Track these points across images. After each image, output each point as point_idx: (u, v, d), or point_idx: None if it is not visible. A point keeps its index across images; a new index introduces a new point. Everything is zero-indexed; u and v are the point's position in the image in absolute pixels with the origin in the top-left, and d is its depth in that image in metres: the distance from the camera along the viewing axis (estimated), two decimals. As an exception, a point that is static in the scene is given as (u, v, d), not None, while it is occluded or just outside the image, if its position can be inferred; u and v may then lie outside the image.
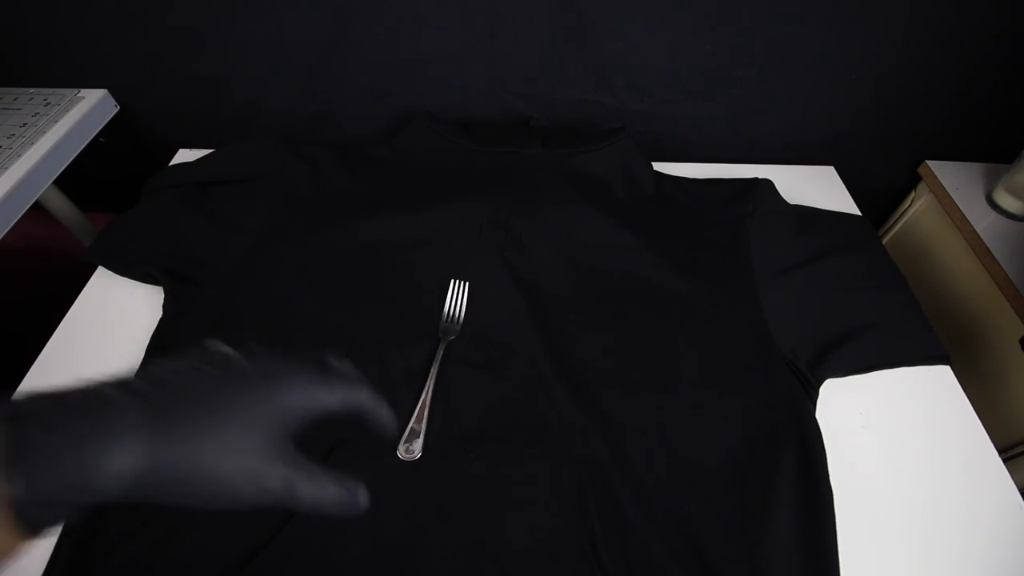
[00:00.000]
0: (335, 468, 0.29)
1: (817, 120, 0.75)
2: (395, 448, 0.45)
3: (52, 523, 0.23)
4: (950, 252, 0.75)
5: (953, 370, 0.54)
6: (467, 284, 0.57)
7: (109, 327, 0.56)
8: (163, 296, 0.56)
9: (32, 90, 0.75)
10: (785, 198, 0.68)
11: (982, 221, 0.71)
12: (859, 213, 0.70)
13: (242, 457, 0.26)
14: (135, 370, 0.29)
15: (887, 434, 0.50)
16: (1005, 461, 0.49)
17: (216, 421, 0.26)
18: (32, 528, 0.22)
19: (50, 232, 0.84)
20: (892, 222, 0.87)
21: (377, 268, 0.59)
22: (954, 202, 0.73)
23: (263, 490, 0.26)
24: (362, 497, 0.29)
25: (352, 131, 0.79)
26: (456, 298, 0.56)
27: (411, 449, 0.45)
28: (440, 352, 0.51)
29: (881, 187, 0.85)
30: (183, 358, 0.28)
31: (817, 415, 0.49)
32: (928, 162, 0.79)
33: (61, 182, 0.69)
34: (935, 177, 0.77)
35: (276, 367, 0.29)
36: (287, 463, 0.27)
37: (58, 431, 0.23)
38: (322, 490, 0.28)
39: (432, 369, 0.50)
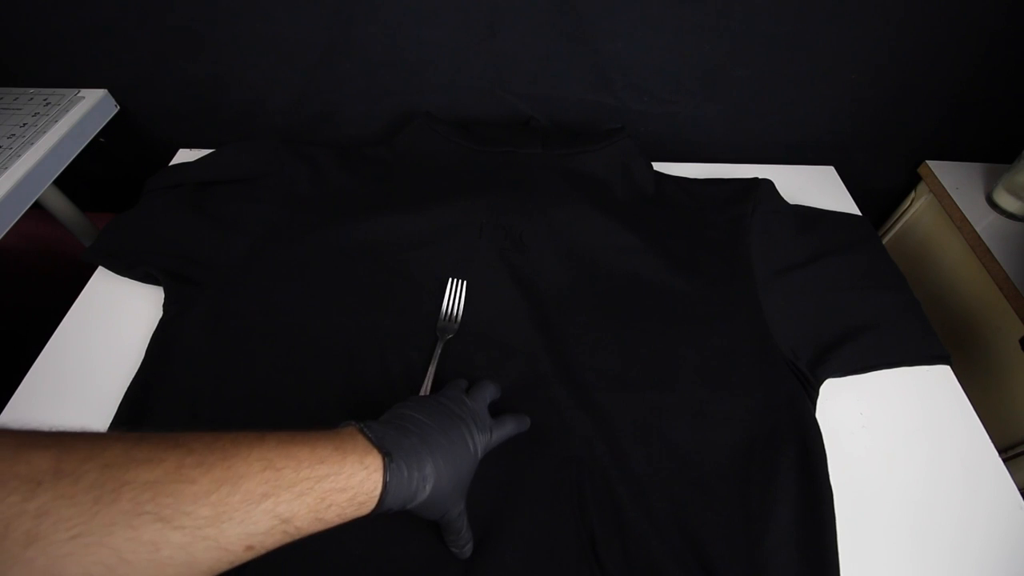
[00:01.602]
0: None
1: (817, 120, 0.75)
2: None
3: (385, 511, 0.32)
4: (950, 252, 0.75)
5: (953, 370, 0.54)
6: (465, 283, 0.57)
7: (109, 327, 0.56)
8: (163, 296, 0.56)
9: (32, 90, 0.75)
10: (785, 198, 0.68)
11: (982, 221, 0.71)
12: (859, 213, 0.70)
13: (460, 489, 0.37)
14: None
15: (887, 434, 0.50)
16: (1005, 461, 0.49)
17: (461, 460, 0.37)
18: (376, 511, 0.32)
19: (50, 232, 0.84)
20: (892, 222, 0.87)
21: (377, 268, 0.59)
22: (954, 202, 0.73)
23: (454, 512, 0.37)
24: (469, 549, 0.40)
25: (352, 131, 0.79)
26: (453, 296, 0.56)
27: (411, 449, 0.45)
28: (438, 351, 0.51)
29: (881, 187, 0.85)
30: (431, 401, 0.39)
31: (817, 415, 0.49)
32: (928, 162, 0.79)
33: (61, 182, 0.69)
34: (935, 177, 0.77)
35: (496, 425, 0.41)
36: (464, 495, 0.38)
37: (409, 473, 0.33)
38: (465, 523, 0.39)
39: (430, 368, 0.50)
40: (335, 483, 0.29)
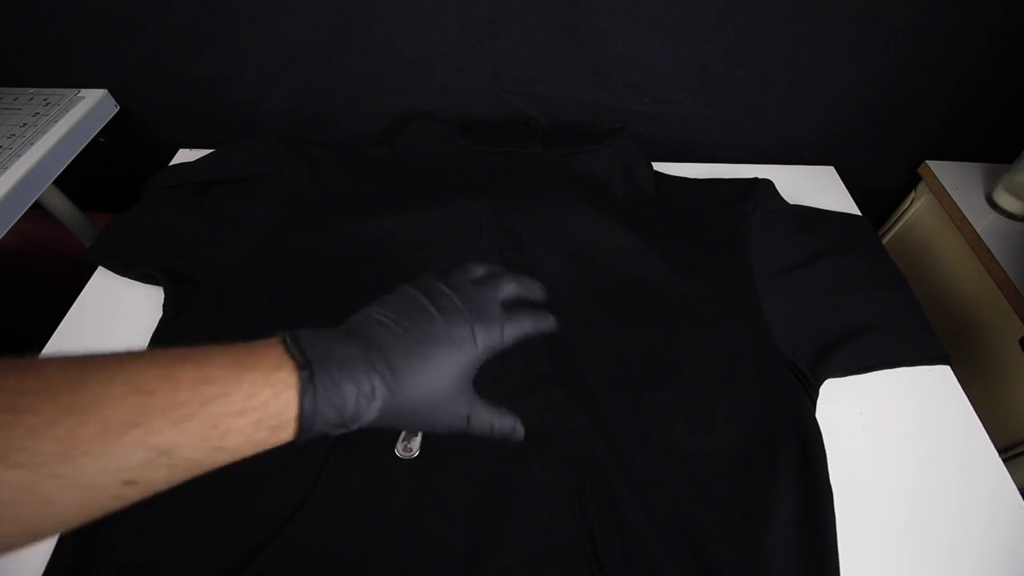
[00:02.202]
0: (490, 405, 0.34)
1: (817, 120, 0.75)
2: (393, 446, 0.45)
3: (317, 435, 0.27)
4: (950, 252, 0.75)
5: (953, 370, 0.54)
6: (467, 284, 0.57)
7: (109, 327, 0.56)
8: (163, 296, 0.56)
9: (32, 90, 0.75)
10: (785, 198, 0.68)
11: (982, 221, 0.71)
12: (859, 213, 0.70)
13: (450, 395, 0.31)
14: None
15: (887, 434, 0.50)
16: (1005, 461, 0.49)
17: (435, 363, 0.30)
18: (303, 436, 0.27)
19: (50, 232, 0.84)
20: (892, 222, 0.87)
21: (377, 268, 0.59)
22: (954, 202, 0.73)
23: (455, 419, 0.32)
24: (519, 430, 0.35)
25: (352, 131, 0.79)
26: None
27: (409, 447, 0.45)
28: (440, 352, 0.51)
29: (881, 187, 0.85)
30: (410, 292, 0.33)
31: (817, 415, 0.49)
32: (928, 162, 0.79)
33: (61, 182, 0.69)
34: (935, 177, 0.77)
35: (479, 306, 0.34)
36: (469, 398, 0.32)
37: (341, 387, 0.27)
38: (491, 423, 0.33)
39: (432, 369, 0.50)
40: (227, 406, 0.24)
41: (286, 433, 0.26)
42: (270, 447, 0.26)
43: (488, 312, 0.34)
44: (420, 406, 0.30)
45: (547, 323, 0.37)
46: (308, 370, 0.27)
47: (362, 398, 0.28)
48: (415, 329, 0.31)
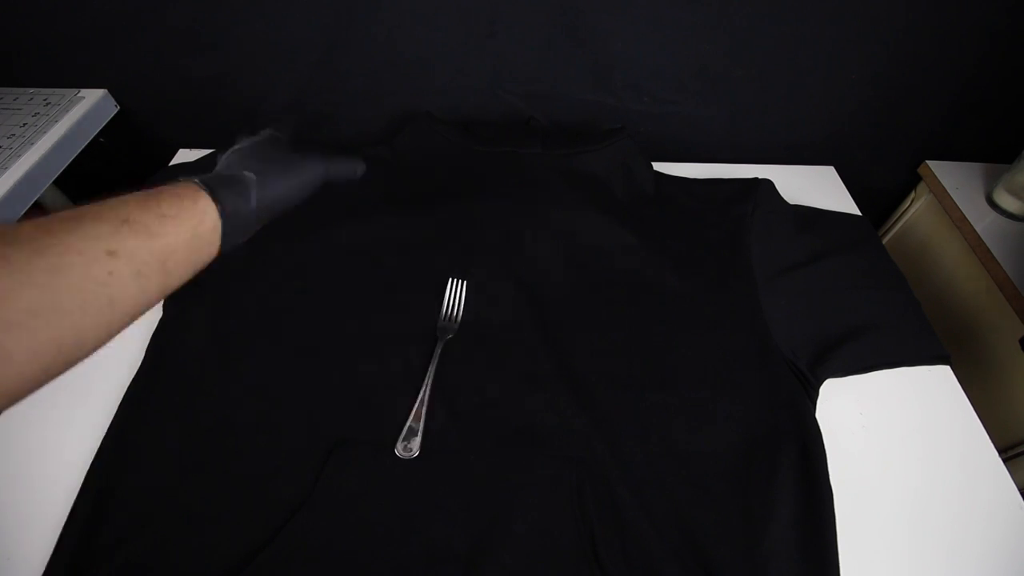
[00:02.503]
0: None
1: (817, 120, 0.75)
2: (393, 445, 0.45)
3: (234, 242, 0.38)
4: (950, 252, 0.75)
5: (953, 370, 0.54)
6: (465, 283, 0.57)
7: (109, 327, 0.56)
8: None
9: (32, 90, 0.75)
10: (785, 198, 0.68)
11: (982, 221, 0.71)
12: (859, 213, 0.70)
13: (304, 162, 0.43)
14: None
15: (887, 434, 0.50)
16: (1005, 461, 0.49)
17: (285, 162, 0.42)
18: (225, 243, 0.37)
19: (50, 232, 0.84)
20: (892, 222, 0.87)
21: (377, 268, 0.59)
22: (954, 202, 0.73)
23: (314, 176, 0.43)
24: (360, 168, 0.48)
25: (352, 131, 0.79)
26: (453, 296, 0.56)
27: (409, 447, 0.45)
28: (438, 351, 0.51)
29: (881, 187, 0.85)
30: (252, 139, 0.44)
31: (817, 415, 0.49)
32: (928, 162, 0.79)
33: (61, 182, 0.69)
34: (935, 177, 0.77)
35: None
36: (321, 162, 0.44)
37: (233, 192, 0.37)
38: (342, 165, 0.45)
39: (430, 368, 0.50)
40: (160, 205, 0.32)
41: (210, 218, 0.35)
42: (204, 231, 0.35)
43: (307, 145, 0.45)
44: (282, 180, 0.41)
45: (357, 165, 0.47)
46: (210, 187, 0.36)
47: (244, 189, 0.38)
48: (269, 145, 0.44)
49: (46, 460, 0.47)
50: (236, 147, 0.43)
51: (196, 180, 0.36)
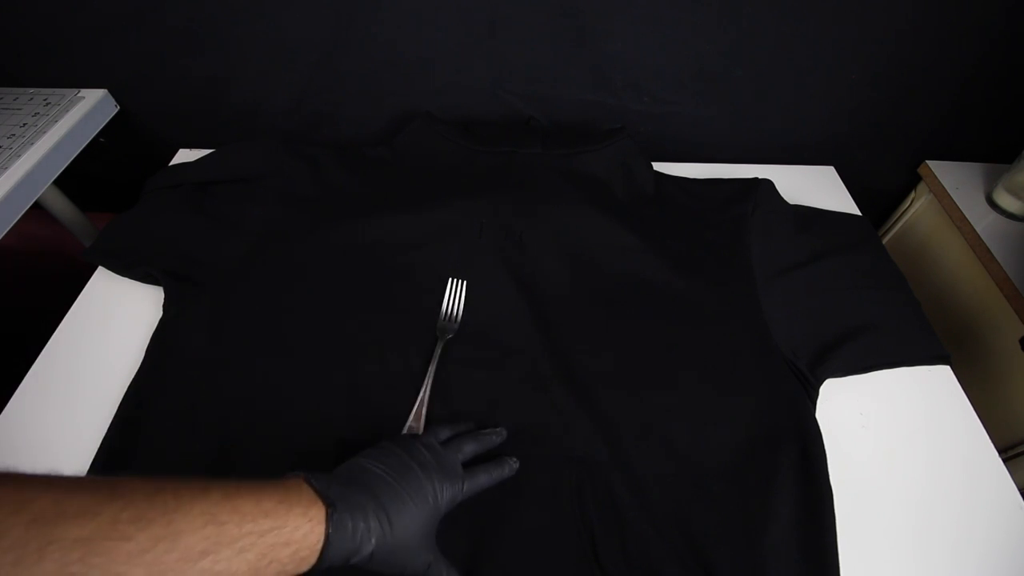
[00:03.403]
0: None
1: (817, 120, 0.75)
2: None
3: (326, 565, 0.31)
4: (950, 252, 0.75)
5: (953, 370, 0.54)
6: (465, 283, 0.57)
7: (109, 327, 0.56)
8: (163, 296, 0.56)
9: (32, 90, 0.75)
10: (785, 198, 0.68)
11: (982, 221, 0.71)
12: (859, 213, 0.70)
13: (419, 542, 0.35)
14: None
15: (887, 434, 0.50)
16: (1005, 461, 0.49)
17: (415, 513, 0.35)
18: (318, 566, 0.31)
19: (50, 232, 0.84)
20: (892, 222, 0.87)
21: (377, 268, 0.59)
22: (954, 202, 0.73)
23: (419, 565, 0.36)
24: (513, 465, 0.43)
25: (352, 131, 0.79)
26: (453, 296, 0.56)
27: (411, 449, 0.45)
28: (438, 351, 0.51)
29: (881, 187, 0.85)
30: (395, 449, 0.38)
31: (817, 415, 0.49)
32: (928, 162, 0.79)
33: (61, 182, 0.69)
34: (935, 177, 0.77)
35: (452, 463, 0.39)
36: (432, 547, 0.37)
37: (353, 525, 0.32)
38: (443, 572, 0.37)
39: (430, 368, 0.50)
40: (279, 537, 0.29)
41: (308, 563, 0.31)
42: (288, 574, 0.30)
43: (451, 470, 0.39)
44: (399, 549, 0.34)
45: (504, 471, 0.43)
46: (333, 508, 0.31)
47: (364, 537, 0.32)
48: (403, 481, 0.36)
49: (46, 460, 0.47)
50: (373, 461, 0.37)
51: (328, 510, 0.31)
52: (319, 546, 0.30)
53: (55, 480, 0.26)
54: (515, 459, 0.43)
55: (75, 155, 0.70)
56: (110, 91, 0.75)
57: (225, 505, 0.28)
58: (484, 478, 0.41)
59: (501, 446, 0.45)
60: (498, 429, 0.45)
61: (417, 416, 0.47)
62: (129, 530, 0.25)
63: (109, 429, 0.47)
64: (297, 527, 0.30)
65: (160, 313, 0.55)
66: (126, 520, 0.25)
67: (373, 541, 0.32)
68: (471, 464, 0.42)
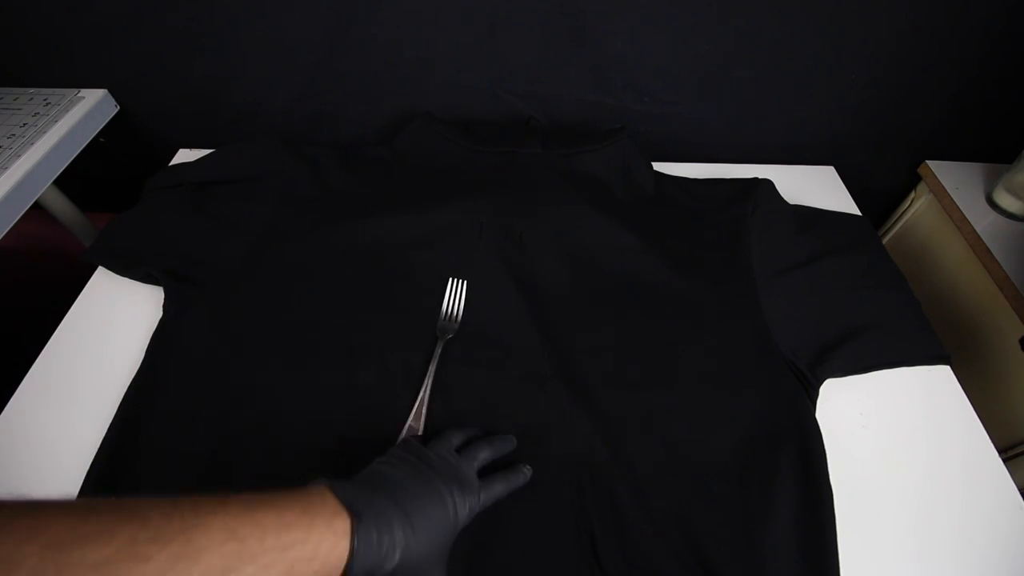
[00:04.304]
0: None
1: (817, 120, 0.75)
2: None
3: None
4: (950, 252, 0.75)
5: (953, 370, 0.54)
6: (465, 283, 0.57)
7: (109, 327, 0.56)
8: (163, 296, 0.56)
9: (32, 90, 0.75)
10: (785, 198, 0.68)
11: (982, 221, 0.71)
12: (859, 213, 0.70)
13: (439, 553, 0.35)
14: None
15: (887, 434, 0.50)
16: (1005, 461, 0.49)
17: (437, 521, 0.34)
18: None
19: (50, 232, 0.84)
20: (892, 222, 0.87)
21: (377, 268, 0.59)
22: (954, 202, 0.73)
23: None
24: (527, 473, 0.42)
25: (352, 131, 0.79)
26: (453, 296, 0.56)
27: (411, 449, 0.45)
28: (438, 351, 0.51)
29: (881, 187, 0.85)
30: (411, 459, 0.37)
31: (817, 415, 0.49)
32: (928, 162, 0.79)
33: (61, 182, 0.69)
34: (935, 177, 0.77)
35: (468, 476, 0.38)
36: (446, 565, 0.36)
37: (379, 537, 0.31)
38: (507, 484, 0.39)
39: (430, 368, 0.50)
40: (302, 551, 0.28)
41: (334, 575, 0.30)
42: None
43: (468, 481, 0.38)
44: (420, 560, 0.33)
45: (520, 479, 0.42)
46: (359, 518, 0.31)
47: (390, 547, 0.31)
48: (426, 493, 0.35)
49: (46, 460, 0.47)
50: (391, 469, 0.36)
51: (352, 521, 0.31)
52: (343, 559, 0.30)
53: (69, 504, 0.25)
54: (528, 466, 0.43)
55: (75, 155, 0.70)
56: (110, 91, 0.75)
57: (246, 518, 0.27)
58: (500, 488, 0.40)
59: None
60: (508, 436, 0.45)
61: (417, 416, 0.47)
62: (148, 550, 0.24)
63: (109, 429, 0.47)
64: (321, 540, 0.29)
65: (160, 313, 0.55)
66: (144, 540, 0.24)
67: (398, 554, 0.32)
68: (484, 471, 0.41)
